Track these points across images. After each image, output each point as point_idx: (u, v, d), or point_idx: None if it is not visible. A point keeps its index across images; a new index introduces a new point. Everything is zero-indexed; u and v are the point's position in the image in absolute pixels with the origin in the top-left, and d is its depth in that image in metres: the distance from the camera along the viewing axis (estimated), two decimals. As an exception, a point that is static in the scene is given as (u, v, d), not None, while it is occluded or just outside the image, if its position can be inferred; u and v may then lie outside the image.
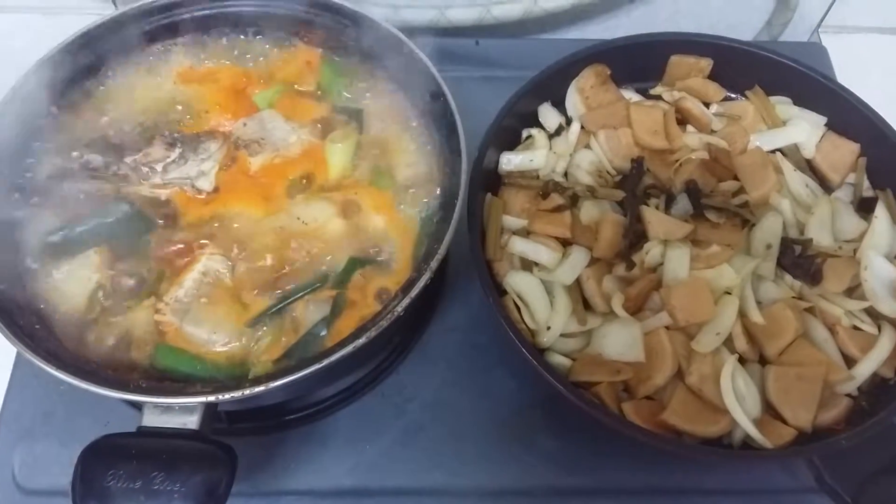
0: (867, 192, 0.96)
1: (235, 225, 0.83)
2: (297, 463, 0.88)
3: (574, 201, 0.92)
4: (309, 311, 0.78)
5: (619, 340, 0.82)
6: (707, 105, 1.02)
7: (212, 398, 0.67)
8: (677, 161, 0.95)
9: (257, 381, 0.68)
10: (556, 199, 0.90)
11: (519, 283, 0.87)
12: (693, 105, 1.00)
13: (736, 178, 0.94)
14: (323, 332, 0.76)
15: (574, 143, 0.98)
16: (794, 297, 0.86)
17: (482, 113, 0.93)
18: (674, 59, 1.03)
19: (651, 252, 0.86)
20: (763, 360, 0.84)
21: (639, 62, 1.03)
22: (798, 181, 0.95)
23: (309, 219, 0.83)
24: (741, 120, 1.00)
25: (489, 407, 0.92)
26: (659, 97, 1.03)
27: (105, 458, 0.65)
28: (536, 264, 0.88)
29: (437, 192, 0.85)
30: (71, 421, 0.90)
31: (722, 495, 0.88)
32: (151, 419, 0.68)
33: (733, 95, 1.04)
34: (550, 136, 1.00)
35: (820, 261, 0.88)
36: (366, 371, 0.91)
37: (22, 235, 0.81)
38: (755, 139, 0.98)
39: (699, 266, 0.86)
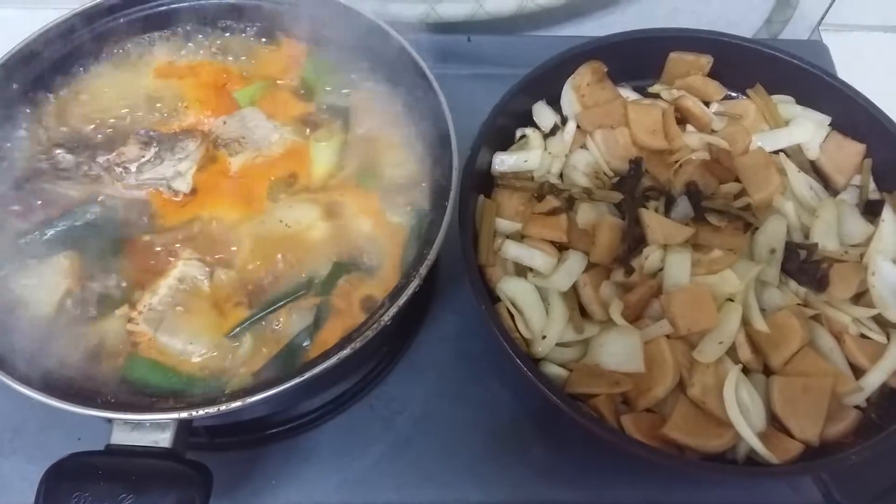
0: (873, 194, 0.93)
1: (214, 228, 0.79)
2: (280, 478, 0.85)
3: (570, 204, 0.88)
4: (291, 321, 0.74)
5: (618, 350, 0.79)
6: (707, 104, 0.99)
7: (185, 414, 0.64)
8: (677, 162, 0.91)
9: (234, 396, 0.65)
10: (552, 202, 0.87)
11: (513, 289, 0.83)
12: (693, 104, 0.96)
13: (738, 179, 0.91)
14: (306, 343, 0.72)
15: (570, 143, 0.95)
16: (799, 305, 0.83)
17: (474, 112, 0.90)
18: (673, 56, 0.99)
19: (650, 257, 0.83)
20: (767, 371, 0.80)
21: (637, 59, 1.00)
22: (802, 183, 0.91)
23: (292, 222, 0.79)
24: (742, 119, 0.97)
25: (481, 419, 0.89)
26: (657, 96, 1.00)
27: (70, 478, 0.62)
28: (531, 270, 0.85)
29: (427, 194, 0.81)
30: (41, 436, 0.86)
31: (724, 511, 0.85)
32: (121, 436, 0.64)
33: (734, 94, 1.01)
34: (545, 136, 0.97)
35: (826, 266, 0.85)
36: (352, 382, 0.88)
37: (-14, 239, 0.77)
38: (757, 139, 0.95)
39: (700, 272, 0.83)
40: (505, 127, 0.95)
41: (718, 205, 0.86)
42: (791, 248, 0.85)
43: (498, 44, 1.20)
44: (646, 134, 0.93)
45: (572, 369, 0.80)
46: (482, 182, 0.90)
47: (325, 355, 0.66)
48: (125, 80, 0.88)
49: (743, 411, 0.75)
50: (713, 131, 0.96)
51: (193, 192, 0.81)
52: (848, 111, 0.94)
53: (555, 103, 0.98)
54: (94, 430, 0.81)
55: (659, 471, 0.83)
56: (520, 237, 0.87)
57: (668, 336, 0.80)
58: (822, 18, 1.28)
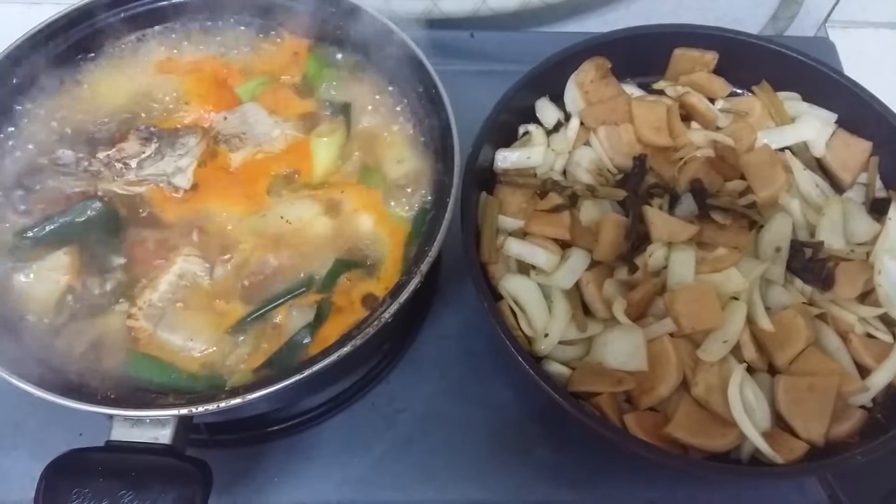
0: (880, 192, 0.92)
1: (214, 224, 0.79)
2: (281, 476, 0.84)
3: (573, 201, 0.88)
4: (292, 317, 0.73)
5: (621, 348, 0.78)
6: (712, 101, 0.98)
7: (185, 411, 0.63)
8: (681, 159, 0.91)
9: (234, 392, 0.64)
10: (555, 199, 0.86)
11: (515, 287, 0.82)
12: (698, 100, 0.95)
13: (743, 177, 0.90)
14: (307, 340, 0.72)
15: (573, 139, 0.94)
16: (804, 303, 0.82)
17: (477, 108, 0.89)
18: (678, 52, 0.98)
19: (654, 255, 0.82)
20: (772, 370, 0.80)
21: (641, 55, 0.99)
22: (808, 181, 0.91)
23: (293, 218, 0.79)
24: (748, 116, 0.96)
25: (483, 417, 0.88)
26: (662, 92, 0.99)
27: (70, 474, 0.62)
28: (534, 267, 0.84)
29: (429, 191, 0.81)
30: (42, 431, 0.86)
31: (727, 512, 0.84)
32: (121, 433, 0.64)
33: (739, 91, 1.00)
34: (548, 133, 0.96)
35: (831, 265, 0.84)
36: (354, 380, 0.87)
37: (-14, 235, 0.76)
38: (763, 136, 0.94)
39: (705, 270, 0.82)
40: (508, 123, 0.94)
41: (723, 202, 0.86)
42: (796, 247, 0.84)
43: (501, 40, 1.19)
44: (650, 131, 0.92)
45: (575, 367, 0.80)
46: (484, 179, 0.90)
47: (326, 352, 0.66)
48: (126, 76, 0.87)
49: (747, 411, 0.75)
50: (718, 128, 0.95)
51: (194, 188, 0.81)
52: (854, 109, 0.94)
53: (558, 100, 0.97)
54: (95, 426, 0.81)
55: (662, 470, 0.83)
56: (522, 234, 0.86)
57: (671, 334, 0.79)
58: (829, 15, 1.27)
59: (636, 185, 0.88)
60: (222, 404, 0.63)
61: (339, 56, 0.90)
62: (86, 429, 0.84)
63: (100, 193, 0.79)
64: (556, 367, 0.80)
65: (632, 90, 0.99)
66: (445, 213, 0.74)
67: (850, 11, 1.26)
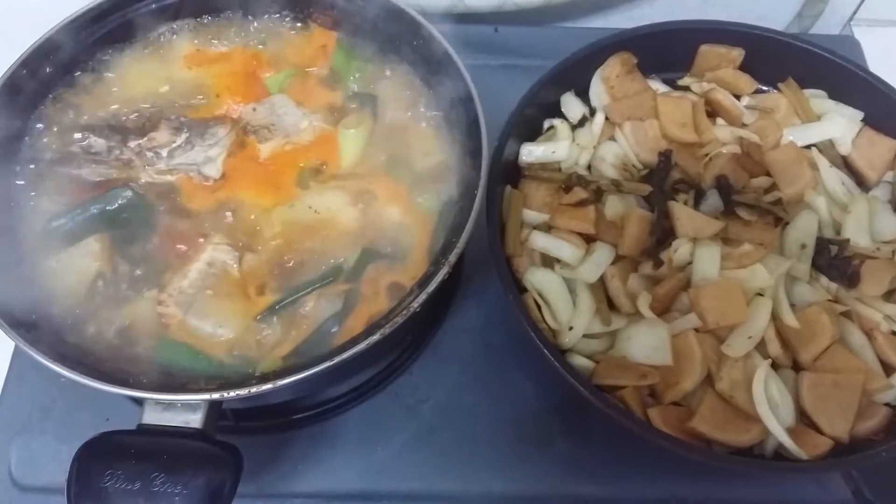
0: (906, 190, 0.91)
1: (243, 214, 0.79)
2: (304, 464, 0.85)
3: (598, 196, 0.88)
4: (320, 306, 0.74)
5: (646, 343, 0.78)
6: (738, 97, 0.98)
7: (216, 396, 0.64)
8: (707, 155, 0.90)
9: (264, 378, 0.65)
10: (580, 193, 0.86)
11: (540, 280, 0.83)
12: (724, 97, 0.95)
13: (768, 174, 0.90)
14: (334, 329, 0.73)
15: (598, 134, 0.94)
16: (829, 301, 0.82)
17: (501, 102, 0.89)
18: (703, 48, 0.98)
19: (679, 250, 0.82)
20: (797, 367, 0.80)
21: (667, 51, 0.98)
22: (834, 178, 0.90)
23: (321, 208, 0.79)
24: (773, 113, 0.96)
25: (505, 409, 0.88)
26: (687, 88, 0.99)
27: (102, 456, 0.62)
28: (558, 261, 0.84)
29: (456, 184, 0.81)
30: (70, 415, 0.87)
31: (749, 507, 0.84)
32: (153, 416, 0.64)
33: (765, 88, 1.00)
34: (573, 128, 0.96)
35: (857, 262, 0.84)
36: (377, 370, 0.88)
37: (20, 222, 0.77)
38: (788, 134, 0.94)
39: (730, 266, 0.82)
40: (533, 118, 0.94)
41: (749, 199, 0.86)
42: (822, 244, 0.84)
43: (525, 35, 1.19)
44: (676, 126, 0.92)
45: (599, 361, 0.80)
46: (509, 172, 0.90)
47: (355, 340, 0.66)
48: (156, 66, 0.88)
49: (772, 406, 0.75)
50: (744, 125, 0.95)
51: (223, 177, 0.81)
52: (881, 106, 0.93)
53: (583, 95, 0.97)
54: (122, 411, 0.82)
55: (684, 465, 0.82)
56: (547, 228, 0.87)
57: (696, 329, 0.79)
58: (854, 13, 1.26)
59: (661, 180, 0.88)
60: (253, 390, 0.63)
61: (367, 49, 0.90)
62: (112, 414, 0.85)
63: (131, 182, 0.80)
64: (580, 361, 0.80)
65: (657, 86, 0.99)
66: (472, 205, 0.74)
67: (876, 9, 1.25)
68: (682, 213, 0.84)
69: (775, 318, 0.80)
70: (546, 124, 0.96)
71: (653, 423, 0.75)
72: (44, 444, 0.85)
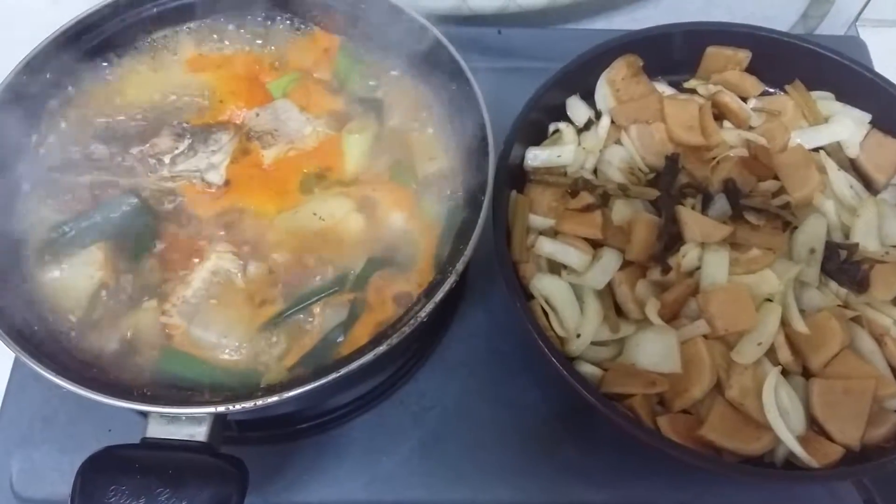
0: (915, 194, 0.91)
1: (247, 221, 0.78)
2: (310, 474, 0.84)
3: (605, 200, 0.87)
4: (325, 316, 0.73)
5: (654, 350, 0.78)
6: (745, 100, 0.97)
7: (221, 409, 0.63)
8: (714, 158, 0.90)
9: (270, 390, 0.64)
10: (586, 198, 0.85)
11: (547, 286, 0.82)
12: (730, 99, 0.94)
13: (776, 177, 0.89)
14: (340, 338, 0.72)
15: (604, 138, 0.93)
16: (839, 306, 0.81)
17: (506, 106, 0.88)
18: (710, 50, 0.97)
19: (688, 255, 0.81)
20: (807, 373, 0.79)
21: (673, 53, 0.98)
22: (842, 181, 0.89)
23: (325, 215, 0.78)
24: (781, 116, 0.95)
25: (511, 417, 0.88)
26: (693, 91, 0.98)
27: (106, 471, 0.61)
28: (565, 267, 0.83)
29: (462, 189, 0.80)
30: (72, 427, 0.86)
31: (758, 515, 0.83)
32: (157, 430, 0.64)
33: (772, 90, 0.99)
34: (579, 131, 0.95)
35: (867, 267, 0.83)
36: (383, 378, 0.87)
37: (21, 230, 0.76)
38: (796, 136, 0.93)
39: (739, 271, 0.81)
40: (538, 121, 0.93)
41: (757, 203, 0.85)
42: (831, 248, 0.83)
43: (528, 37, 1.18)
44: (682, 129, 0.91)
45: (607, 369, 0.79)
46: (514, 177, 0.89)
47: (362, 351, 0.65)
48: (158, 72, 0.87)
49: (782, 414, 0.74)
50: (751, 127, 0.94)
51: (227, 184, 0.80)
52: (889, 108, 0.92)
53: (589, 98, 0.96)
54: (124, 423, 0.81)
55: (693, 473, 0.82)
56: (553, 233, 0.86)
57: (705, 336, 0.78)
58: (860, 14, 1.25)
59: (668, 184, 0.87)
60: (259, 402, 0.63)
61: (371, 52, 0.89)
62: (115, 425, 0.84)
63: (133, 189, 0.79)
64: (588, 368, 0.79)
65: (663, 88, 0.98)
66: (479, 211, 0.73)
67: (881, 10, 1.25)
68: (690, 217, 0.83)
69: (785, 323, 0.79)
70: (551, 128, 0.95)
71: (662, 432, 0.75)
72: (45, 456, 0.84)
